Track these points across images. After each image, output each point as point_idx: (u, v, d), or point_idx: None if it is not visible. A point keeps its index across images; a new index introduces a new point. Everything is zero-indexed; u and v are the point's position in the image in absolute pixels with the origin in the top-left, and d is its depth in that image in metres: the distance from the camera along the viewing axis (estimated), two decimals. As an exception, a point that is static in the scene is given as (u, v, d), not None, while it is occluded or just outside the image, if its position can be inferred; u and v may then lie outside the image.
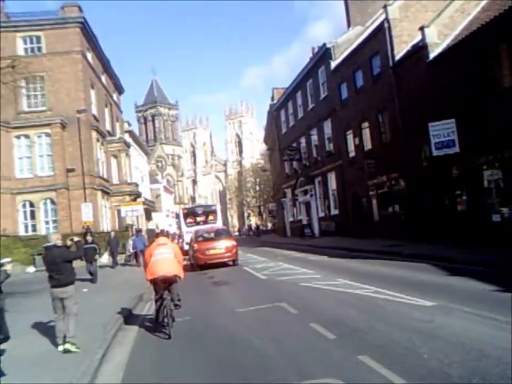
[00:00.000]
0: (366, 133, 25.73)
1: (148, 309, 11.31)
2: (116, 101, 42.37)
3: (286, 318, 8.56)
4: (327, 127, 31.52)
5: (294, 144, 37.61)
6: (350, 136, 27.93)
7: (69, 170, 29.96)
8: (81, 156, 29.25)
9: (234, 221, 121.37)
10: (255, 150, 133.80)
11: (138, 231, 31.25)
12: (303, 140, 36.20)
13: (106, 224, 33.14)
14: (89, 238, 18.70)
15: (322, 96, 31.75)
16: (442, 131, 16.50)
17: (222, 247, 19.67)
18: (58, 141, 30.11)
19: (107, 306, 11.24)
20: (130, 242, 26.10)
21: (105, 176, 33.98)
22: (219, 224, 31.42)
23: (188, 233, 30.33)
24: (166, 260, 8.55)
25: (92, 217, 27.19)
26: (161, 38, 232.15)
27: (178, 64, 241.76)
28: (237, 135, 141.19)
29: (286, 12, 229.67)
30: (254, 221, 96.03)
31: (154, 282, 8.59)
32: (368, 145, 25.60)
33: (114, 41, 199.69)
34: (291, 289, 11.78)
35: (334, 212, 31.38)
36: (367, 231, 25.21)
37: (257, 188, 74.69)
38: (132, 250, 25.39)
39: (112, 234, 24.16)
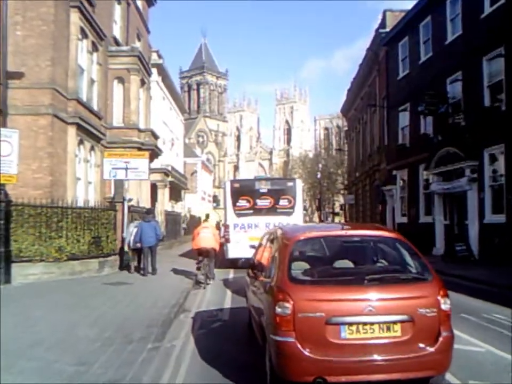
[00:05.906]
0: None
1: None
2: (140, 8, 26.83)
3: None
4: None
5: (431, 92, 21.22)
6: None
7: (10, 76, 14.70)
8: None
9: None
10: (305, 140, 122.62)
11: (148, 212, 16.79)
12: (458, 78, 19.68)
13: (86, 194, 17.68)
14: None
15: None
16: None
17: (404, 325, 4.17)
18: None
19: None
20: (131, 229, 15.48)
21: (94, 107, 18.50)
22: (298, 218, 15.82)
23: (238, 228, 15.46)
24: (207, 237, 13.21)
25: (13, 169, 11.89)
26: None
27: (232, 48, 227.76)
28: (287, 122, 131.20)
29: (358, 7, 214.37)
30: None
31: (198, 251, 13.24)
32: None
33: None
34: None
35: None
36: None
37: (319, 174, 59.10)
38: (134, 245, 15.14)
39: None
